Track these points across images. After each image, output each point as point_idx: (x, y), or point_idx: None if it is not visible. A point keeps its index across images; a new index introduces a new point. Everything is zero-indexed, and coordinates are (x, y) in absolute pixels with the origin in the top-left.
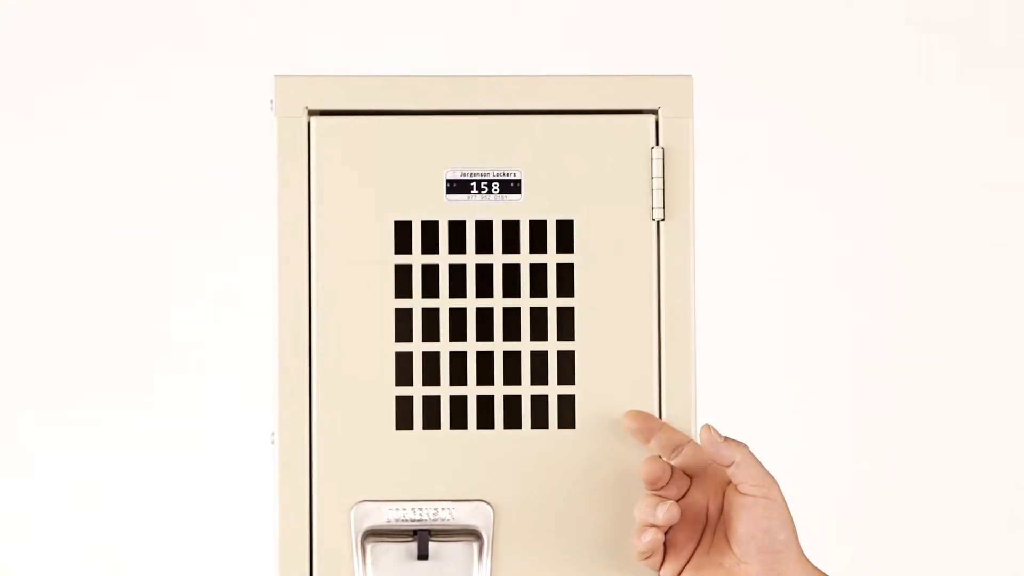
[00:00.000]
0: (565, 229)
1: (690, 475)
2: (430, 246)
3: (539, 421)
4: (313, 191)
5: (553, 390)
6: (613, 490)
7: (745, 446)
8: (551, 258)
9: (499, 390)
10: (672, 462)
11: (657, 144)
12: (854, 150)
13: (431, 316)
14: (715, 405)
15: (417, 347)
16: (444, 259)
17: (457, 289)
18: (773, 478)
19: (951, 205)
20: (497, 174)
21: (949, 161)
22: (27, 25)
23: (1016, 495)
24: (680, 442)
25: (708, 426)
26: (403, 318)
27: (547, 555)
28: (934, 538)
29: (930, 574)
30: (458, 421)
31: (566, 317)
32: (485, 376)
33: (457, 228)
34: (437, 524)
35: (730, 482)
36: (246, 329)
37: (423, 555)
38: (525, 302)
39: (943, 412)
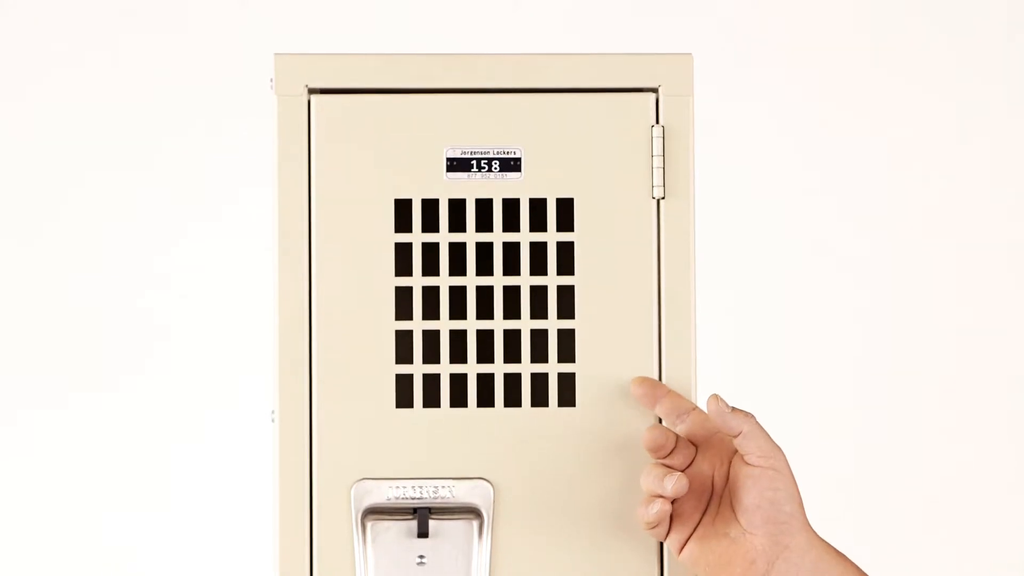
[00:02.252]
0: (565, 207)
1: (695, 443)
2: (430, 224)
3: (539, 399)
4: (313, 169)
5: (553, 368)
6: (613, 468)
7: (752, 416)
8: (551, 236)
9: (499, 368)
10: (677, 429)
11: (657, 122)
12: (855, 129)
13: (431, 294)
14: (715, 382)
15: (417, 325)
16: (444, 237)
17: (457, 267)
18: (780, 449)
19: (952, 187)
20: (497, 152)
21: (950, 143)
22: (23, 8)
23: (1018, 481)
24: (685, 408)
25: (715, 396)
26: (403, 296)
27: (547, 532)
28: (934, 523)
29: (931, 557)
30: (458, 399)
31: (566, 295)
32: (485, 354)
33: (457, 206)
34: (437, 502)
35: (736, 452)
36: (246, 308)
37: (423, 533)
38: (525, 280)
39: (944, 396)
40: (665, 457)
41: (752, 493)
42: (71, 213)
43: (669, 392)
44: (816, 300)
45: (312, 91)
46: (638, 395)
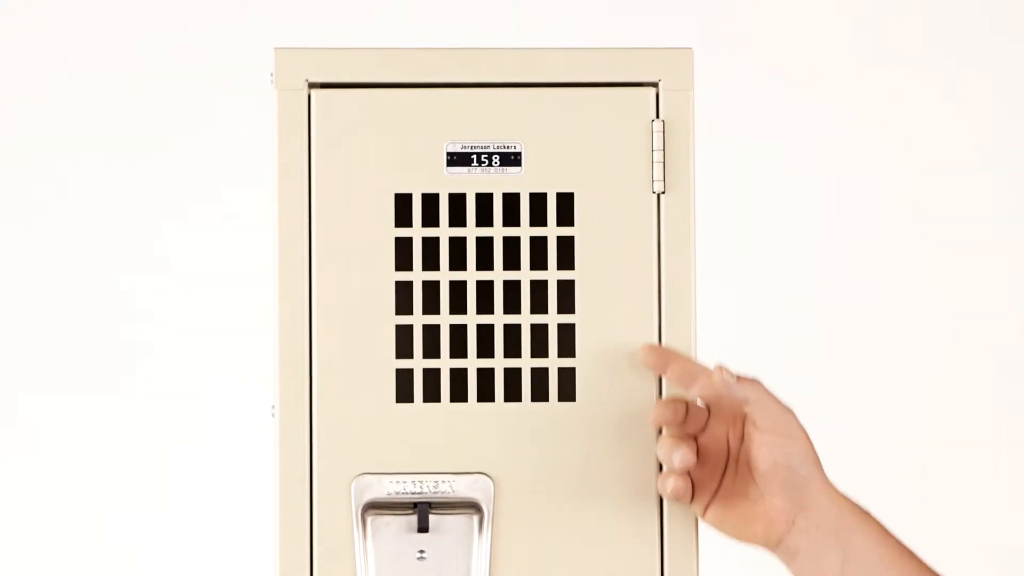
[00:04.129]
0: (565, 202)
1: (708, 406)
2: (430, 219)
3: (539, 394)
4: (313, 164)
5: (553, 363)
6: (613, 463)
7: (759, 383)
8: (551, 231)
9: (499, 363)
10: (689, 393)
11: (658, 117)
12: (855, 123)
13: (431, 289)
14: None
15: (417, 320)
16: (444, 232)
17: (457, 262)
18: (790, 412)
19: (952, 180)
20: (497, 147)
21: (950, 137)
22: (23, 6)
23: (1015, 467)
24: (695, 372)
25: (720, 367)
26: (403, 291)
27: (547, 527)
28: (929, 520)
29: (932, 540)
30: (458, 394)
31: (566, 290)
32: (485, 349)
33: (457, 201)
34: (437, 497)
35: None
36: (246, 305)
37: (423, 528)
38: (525, 275)
39: (942, 391)
40: (683, 424)
41: (766, 459)
42: (70, 211)
43: (677, 357)
44: (816, 294)
45: (312, 85)
46: (648, 363)
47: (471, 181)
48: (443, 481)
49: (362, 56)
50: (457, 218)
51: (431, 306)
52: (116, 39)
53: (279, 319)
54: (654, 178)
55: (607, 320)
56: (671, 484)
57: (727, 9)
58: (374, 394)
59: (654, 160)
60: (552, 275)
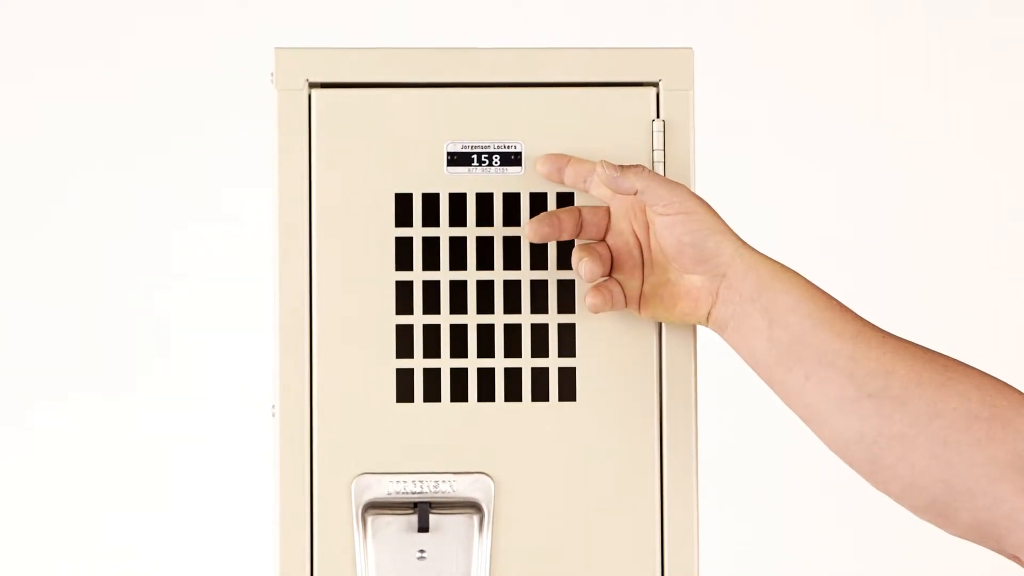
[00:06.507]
0: (565, 202)
1: (607, 204)
2: (431, 219)
3: (539, 394)
4: (314, 164)
5: (554, 363)
6: (613, 462)
7: (643, 169)
8: None
9: (500, 363)
10: (588, 194)
11: (658, 117)
12: (855, 123)
13: (431, 288)
14: (715, 374)
15: (418, 320)
16: (445, 231)
17: (458, 261)
18: (682, 188)
19: (952, 180)
20: (498, 147)
21: (950, 137)
22: (22, 6)
23: None
24: (588, 170)
25: (602, 162)
26: (403, 291)
27: (547, 527)
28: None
29: (932, 539)
30: (459, 393)
31: (566, 289)
32: (486, 348)
33: (458, 201)
34: (438, 496)
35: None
36: (246, 305)
37: (424, 527)
38: (525, 275)
39: None
40: (579, 234)
41: (670, 241)
42: (71, 212)
43: (571, 160)
44: None
45: (313, 85)
46: (545, 173)
47: (471, 181)
48: (443, 481)
49: (362, 56)
50: (457, 218)
51: (431, 306)
52: (116, 39)
53: (279, 319)
54: None
55: (607, 320)
56: (588, 301)
57: (727, 9)
58: (374, 394)
59: (654, 160)
60: (552, 275)
